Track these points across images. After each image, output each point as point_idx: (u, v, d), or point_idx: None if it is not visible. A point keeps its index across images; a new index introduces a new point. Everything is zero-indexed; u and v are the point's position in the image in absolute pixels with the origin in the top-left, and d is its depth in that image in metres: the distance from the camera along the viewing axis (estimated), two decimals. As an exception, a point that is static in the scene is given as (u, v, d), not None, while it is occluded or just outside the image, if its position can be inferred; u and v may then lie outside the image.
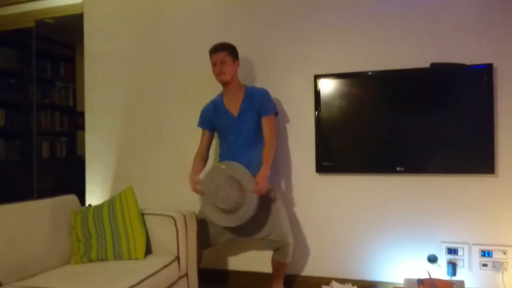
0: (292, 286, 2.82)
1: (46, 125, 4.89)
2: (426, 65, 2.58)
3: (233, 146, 2.61)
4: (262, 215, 2.53)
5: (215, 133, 2.76)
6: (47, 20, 3.96)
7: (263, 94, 2.64)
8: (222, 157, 2.67)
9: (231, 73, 2.59)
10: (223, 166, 2.51)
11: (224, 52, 2.58)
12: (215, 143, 2.87)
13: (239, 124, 2.60)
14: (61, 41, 5.07)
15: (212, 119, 2.69)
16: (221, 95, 2.70)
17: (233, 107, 2.63)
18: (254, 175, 2.44)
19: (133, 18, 3.26)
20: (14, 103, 4.57)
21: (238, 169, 2.45)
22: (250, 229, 2.56)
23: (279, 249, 2.56)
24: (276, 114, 2.67)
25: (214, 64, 2.59)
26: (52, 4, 3.62)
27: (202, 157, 2.72)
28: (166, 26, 3.18)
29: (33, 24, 3.85)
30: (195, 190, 2.58)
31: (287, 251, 2.55)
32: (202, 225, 2.61)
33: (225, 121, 2.63)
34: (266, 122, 2.58)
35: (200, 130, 2.76)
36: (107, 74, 3.32)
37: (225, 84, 2.62)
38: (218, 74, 2.59)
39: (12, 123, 4.56)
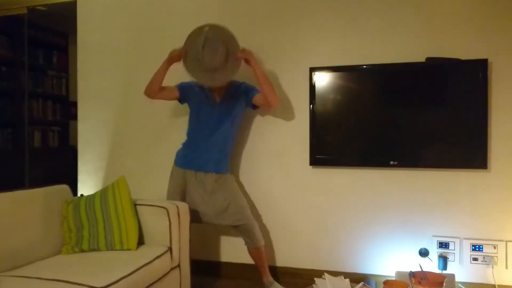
0: (285, 279, 2.83)
1: (38, 114, 4.84)
2: (422, 59, 2.58)
3: (202, 129, 2.65)
4: (219, 196, 2.63)
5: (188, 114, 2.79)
6: (39, 7, 3.90)
7: (246, 84, 2.70)
8: (189, 139, 2.73)
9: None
10: (206, 28, 2.53)
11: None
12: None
13: (217, 111, 2.64)
14: (54, 29, 5.00)
15: (191, 95, 2.72)
16: None
17: (217, 94, 2.66)
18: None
19: (127, 7, 3.22)
20: (5, 91, 4.52)
21: (224, 31, 2.54)
22: (211, 209, 2.65)
23: (243, 232, 2.63)
24: None
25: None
26: (45, -9, 3.57)
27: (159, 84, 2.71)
28: (160, 15, 3.14)
29: (25, 11, 3.79)
30: (177, 52, 2.60)
31: (250, 231, 2.61)
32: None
33: (204, 103, 2.67)
34: (260, 95, 2.61)
35: None
36: (100, 63, 3.29)
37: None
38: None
39: (3, 111, 4.51)
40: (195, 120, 2.72)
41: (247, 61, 2.56)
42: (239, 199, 2.65)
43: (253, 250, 2.66)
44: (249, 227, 2.61)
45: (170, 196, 2.70)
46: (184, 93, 2.73)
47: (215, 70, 2.51)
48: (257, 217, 2.89)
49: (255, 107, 2.71)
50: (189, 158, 2.68)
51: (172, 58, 2.62)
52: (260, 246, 2.65)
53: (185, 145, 2.75)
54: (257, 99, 2.63)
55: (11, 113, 4.57)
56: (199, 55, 2.51)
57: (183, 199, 2.68)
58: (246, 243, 2.67)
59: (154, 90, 2.68)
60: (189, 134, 2.75)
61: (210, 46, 2.49)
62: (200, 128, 2.68)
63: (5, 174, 4.37)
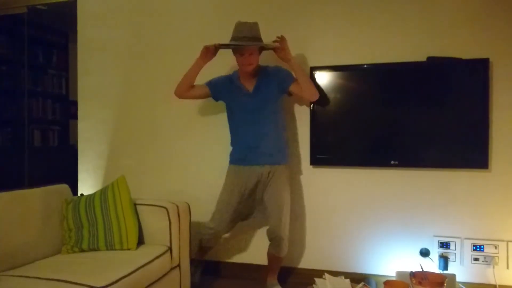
0: (285, 278, 2.83)
1: (38, 113, 4.84)
2: (423, 58, 2.57)
3: (244, 125, 2.58)
4: (271, 198, 2.53)
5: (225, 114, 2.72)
6: (39, 6, 3.89)
7: (279, 69, 2.62)
8: (234, 136, 2.65)
9: (257, 63, 2.55)
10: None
11: (254, 45, 2.50)
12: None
13: (252, 100, 2.56)
14: (54, 28, 4.99)
15: (223, 90, 2.64)
16: (235, 72, 2.66)
17: (249, 84, 2.59)
18: (262, 165, 2.56)
19: (128, 6, 3.21)
20: (5, 90, 4.51)
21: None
22: (253, 207, 2.65)
23: (272, 241, 2.54)
24: None
25: (242, 54, 2.49)
26: (45, -11, 3.56)
27: (191, 83, 2.66)
28: (160, 13, 3.13)
29: (25, 10, 3.78)
30: (211, 45, 2.55)
31: (279, 245, 2.51)
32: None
33: (238, 96, 2.59)
34: (297, 84, 2.54)
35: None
36: (100, 62, 3.28)
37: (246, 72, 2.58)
38: (245, 65, 2.52)
39: (3, 110, 4.50)
40: (232, 115, 2.65)
41: (280, 52, 2.53)
42: (285, 212, 2.53)
43: (273, 256, 2.59)
44: (280, 241, 2.52)
45: (224, 197, 2.61)
46: (215, 89, 2.66)
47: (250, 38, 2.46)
48: (256, 217, 2.88)
49: (290, 93, 2.65)
50: (242, 154, 2.59)
51: (208, 50, 2.55)
52: (283, 257, 2.60)
53: (233, 142, 2.67)
54: (294, 89, 2.56)
55: (11, 112, 4.57)
56: (237, 28, 2.47)
57: (241, 198, 2.59)
58: (270, 248, 2.58)
59: (184, 88, 2.64)
60: (233, 130, 2.66)
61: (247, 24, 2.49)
62: (241, 122, 2.60)
63: (5, 173, 4.37)
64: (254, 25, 2.49)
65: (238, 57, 2.51)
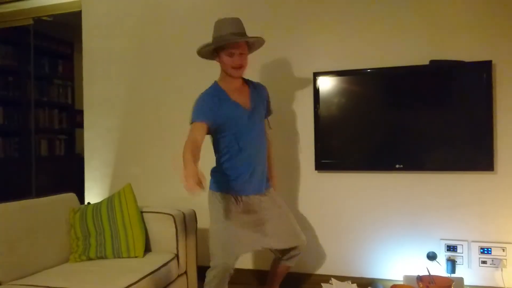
0: (292, 285, 2.82)
1: (44, 123, 4.88)
2: (425, 62, 2.57)
3: (248, 148, 2.17)
4: (276, 222, 2.26)
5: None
6: (45, 18, 3.94)
7: (266, 90, 2.37)
8: (232, 164, 2.19)
9: (246, 67, 2.20)
10: None
11: (245, 42, 2.16)
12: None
13: (254, 120, 2.19)
14: (59, 39, 5.04)
15: (218, 112, 2.11)
16: (216, 85, 2.21)
17: (242, 100, 2.19)
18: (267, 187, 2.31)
19: (131, 15, 3.24)
20: (12, 100, 4.56)
21: None
22: (267, 239, 2.24)
23: (294, 255, 2.36)
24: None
25: (231, 55, 2.12)
26: (50, 1, 3.60)
27: (198, 150, 2.00)
28: (164, 22, 3.16)
29: (30, 21, 3.83)
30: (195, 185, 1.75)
31: (297, 257, 2.39)
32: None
33: (237, 116, 2.15)
34: (267, 123, 2.37)
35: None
36: (105, 71, 3.31)
37: (236, 78, 2.21)
38: (235, 68, 2.14)
39: (10, 120, 4.55)
40: (234, 138, 2.16)
41: None
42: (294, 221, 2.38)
43: (287, 267, 2.45)
44: (300, 253, 2.38)
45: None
46: (211, 119, 2.10)
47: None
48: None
49: None
50: (245, 181, 2.18)
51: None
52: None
53: (224, 169, 2.21)
54: (265, 122, 2.33)
55: (17, 122, 4.61)
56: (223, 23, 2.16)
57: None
58: (286, 261, 2.39)
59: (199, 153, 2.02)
60: (229, 154, 2.19)
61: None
62: (243, 146, 2.17)
63: (13, 182, 4.40)
64: (239, 21, 2.17)
65: (226, 59, 2.13)
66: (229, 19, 2.17)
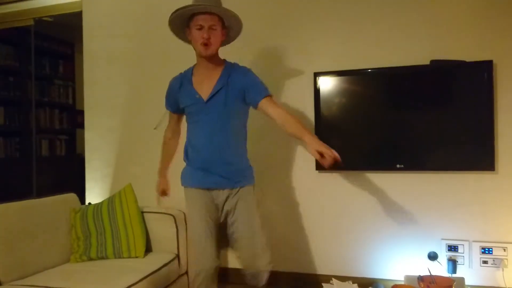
0: (292, 284, 2.82)
1: (45, 123, 4.89)
2: (426, 62, 2.57)
3: (204, 130, 2.04)
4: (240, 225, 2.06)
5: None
6: (45, 18, 3.94)
7: (248, 72, 2.08)
8: (190, 146, 2.12)
9: (218, 46, 2.03)
10: None
11: (216, 16, 1.98)
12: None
13: (208, 112, 2.02)
14: (60, 39, 5.05)
15: (176, 97, 2.15)
16: (191, 68, 2.15)
17: (205, 88, 2.04)
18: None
19: (132, 15, 3.24)
20: (13, 101, 4.56)
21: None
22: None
23: (249, 274, 2.12)
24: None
25: (200, 28, 1.96)
26: (51, 2, 3.60)
27: (169, 147, 2.32)
28: (165, 23, 3.14)
29: (31, 22, 3.84)
30: (161, 193, 2.37)
31: (260, 276, 2.09)
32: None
33: (191, 105, 2.08)
34: (268, 103, 2.00)
35: None
36: (106, 71, 3.31)
37: (205, 57, 2.03)
38: (204, 43, 1.96)
39: (11, 121, 4.55)
40: (190, 120, 2.14)
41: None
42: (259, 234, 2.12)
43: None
44: (263, 275, 2.11)
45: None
46: (174, 105, 2.18)
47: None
48: (263, 223, 2.88)
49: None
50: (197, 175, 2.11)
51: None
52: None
53: (189, 159, 2.17)
54: (263, 107, 2.02)
55: (18, 122, 4.62)
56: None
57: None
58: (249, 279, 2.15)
59: (172, 148, 2.38)
60: (190, 143, 2.14)
61: None
62: (197, 136, 2.09)
63: (13, 182, 4.40)
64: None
65: (195, 33, 1.98)
66: None
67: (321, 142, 1.84)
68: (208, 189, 2.07)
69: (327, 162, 1.81)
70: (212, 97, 2.03)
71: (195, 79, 2.10)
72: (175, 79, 2.20)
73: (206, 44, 1.97)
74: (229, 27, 2.11)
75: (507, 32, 2.47)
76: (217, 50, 2.05)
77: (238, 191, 2.06)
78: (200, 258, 2.00)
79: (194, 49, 2.06)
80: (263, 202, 2.91)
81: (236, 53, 2.64)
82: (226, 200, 2.06)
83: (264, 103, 2.01)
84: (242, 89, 2.04)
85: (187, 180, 2.13)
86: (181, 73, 2.19)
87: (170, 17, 2.05)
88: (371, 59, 2.69)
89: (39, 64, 4.78)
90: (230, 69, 2.08)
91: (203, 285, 1.99)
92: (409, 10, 2.64)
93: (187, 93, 2.10)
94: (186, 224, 2.43)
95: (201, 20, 1.96)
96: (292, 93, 2.85)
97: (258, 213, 2.15)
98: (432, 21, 2.60)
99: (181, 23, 2.07)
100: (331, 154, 1.81)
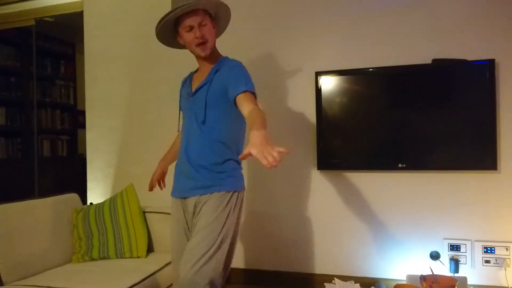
0: (294, 284, 2.82)
1: (46, 124, 4.89)
2: (428, 61, 2.57)
3: (185, 131, 1.95)
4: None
5: None
6: (47, 19, 3.95)
7: (234, 66, 1.88)
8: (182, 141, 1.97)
9: (214, 39, 1.92)
10: None
11: (201, 11, 1.84)
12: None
13: (192, 104, 1.90)
14: (61, 39, 5.06)
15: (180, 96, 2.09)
16: (192, 72, 2.11)
17: (196, 84, 1.95)
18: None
19: (133, 15, 3.24)
20: (14, 101, 4.57)
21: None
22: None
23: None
24: (254, 95, 1.78)
25: (190, 29, 1.85)
26: (52, 2, 3.61)
27: (175, 140, 2.24)
28: (166, 23, 3.16)
29: (33, 22, 3.84)
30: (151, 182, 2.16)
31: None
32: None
33: (183, 103, 2.02)
34: (243, 99, 1.73)
35: None
36: (107, 71, 3.31)
37: (204, 58, 1.91)
38: (199, 44, 1.85)
39: (12, 121, 4.56)
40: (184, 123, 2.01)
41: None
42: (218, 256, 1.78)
43: None
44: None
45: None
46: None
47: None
48: (264, 223, 2.88)
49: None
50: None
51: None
52: None
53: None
54: (238, 103, 1.75)
55: (20, 122, 4.62)
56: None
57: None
58: None
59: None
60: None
61: None
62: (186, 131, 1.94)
63: (15, 183, 4.41)
64: None
65: (187, 36, 1.86)
66: None
67: (258, 142, 1.45)
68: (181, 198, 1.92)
69: (264, 162, 1.41)
70: (195, 93, 1.91)
71: (194, 77, 2.03)
72: (184, 79, 2.13)
73: (202, 43, 1.85)
74: (217, 18, 1.97)
75: (510, 31, 2.47)
76: (214, 44, 1.92)
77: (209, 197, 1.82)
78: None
79: (192, 52, 1.95)
80: (264, 202, 2.91)
81: (237, 54, 2.63)
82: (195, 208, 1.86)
83: (239, 99, 1.74)
84: (224, 84, 1.82)
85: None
86: (190, 72, 2.12)
87: (155, 30, 1.94)
88: (373, 58, 2.68)
89: (40, 65, 4.79)
90: (219, 65, 1.91)
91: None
92: (410, 9, 2.63)
93: (184, 91, 2.05)
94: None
95: (188, 21, 1.83)
96: (293, 93, 2.85)
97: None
98: (434, 20, 2.59)
99: (169, 32, 1.95)
100: (263, 155, 1.41)
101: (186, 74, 3.11)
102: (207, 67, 1.93)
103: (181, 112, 2.06)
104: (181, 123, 2.03)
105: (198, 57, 1.94)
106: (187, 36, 1.86)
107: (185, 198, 1.89)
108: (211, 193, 1.81)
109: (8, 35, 4.36)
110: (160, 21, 1.89)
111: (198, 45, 1.85)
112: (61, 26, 4.42)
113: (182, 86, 2.09)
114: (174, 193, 1.97)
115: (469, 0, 2.54)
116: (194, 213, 1.84)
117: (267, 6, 2.90)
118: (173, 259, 1.93)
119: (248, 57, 2.88)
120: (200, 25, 1.83)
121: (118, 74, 3.29)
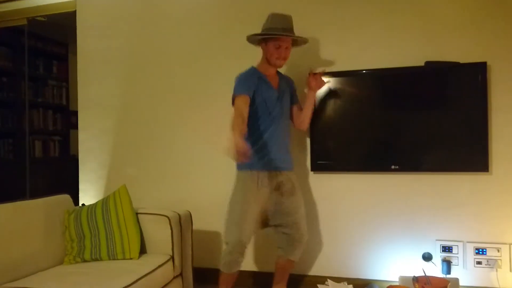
0: (288, 286, 2.81)
1: (38, 124, 4.85)
2: (421, 63, 2.58)
3: (277, 122, 2.41)
4: (290, 205, 2.43)
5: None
6: (39, 18, 3.92)
7: (291, 81, 2.63)
8: (265, 134, 2.38)
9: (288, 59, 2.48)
10: None
11: (291, 39, 2.42)
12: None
13: (281, 99, 2.45)
14: (54, 39, 5.02)
15: (256, 89, 2.39)
16: (256, 69, 2.46)
17: (274, 84, 2.46)
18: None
19: (127, 16, 3.23)
20: (6, 101, 4.53)
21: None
22: (278, 216, 2.44)
23: (294, 245, 2.45)
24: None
25: (279, 47, 2.38)
26: (44, 1, 3.58)
27: (245, 122, 2.30)
28: (159, 23, 3.15)
29: (25, 22, 3.81)
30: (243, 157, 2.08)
31: (302, 248, 2.49)
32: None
33: (269, 97, 2.40)
34: (297, 109, 2.60)
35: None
36: (100, 72, 3.30)
37: (276, 67, 2.48)
38: (280, 59, 2.41)
39: (4, 122, 4.52)
40: (264, 114, 2.40)
41: (311, 84, 2.57)
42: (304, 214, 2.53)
43: (290, 262, 2.51)
44: (303, 245, 2.49)
45: (251, 207, 2.34)
46: (251, 93, 2.38)
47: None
48: (259, 223, 2.88)
49: None
50: (267, 158, 2.38)
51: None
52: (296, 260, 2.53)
53: (257, 144, 2.38)
54: (293, 110, 2.58)
55: (12, 123, 4.58)
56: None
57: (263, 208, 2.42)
58: (287, 253, 2.47)
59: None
60: (259, 130, 2.40)
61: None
62: (270, 122, 2.40)
63: (7, 184, 4.37)
64: (290, 18, 2.44)
65: (273, 50, 2.39)
66: (282, 14, 2.41)
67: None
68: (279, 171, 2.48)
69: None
70: (280, 92, 2.50)
71: (267, 78, 2.46)
72: (248, 74, 2.43)
73: (282, 60, 2.42)
74: (295, 43, 2.51)
75: (501, 34, 2.49)
76: None
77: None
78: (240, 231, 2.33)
79: (267, 59, 2.43)
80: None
81: (237, 54, 2.64)
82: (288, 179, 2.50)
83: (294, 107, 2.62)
84: (291, 91, 2.61)
85: (255, 164, 2.40)
86: (247, 71, 2.45)
87: (252, 34, 2.44)
88: (366, 60, 2.70)
89: (32, 65, 4.75)
90: (282, 75, 2.59)
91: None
92: (404, 11, 2.65)
93: (267, 87, 2.42)
94: (180, 225, 2.42)
95: (281, 42, 2.37)
96: (287, 94, 2.84)
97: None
98: (427, 22, 2.61)
99: (258, 37, 2.46)
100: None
101: (180, 74, 3.13)
102: (274, 72, 2.50)
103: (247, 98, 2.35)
104: (246, 107, 2.34)
105: (270, 64, 2.44)
106: (274, 51, 2.39)
107: (282, 170, 2.44)
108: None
109: (0, 35, 4.33)
110: (259, 34, 2.42)
111: (278, 59, 2.40)
112: (53, 26, 4.39)
113: (258, 81, 2.41)
114: (275, 167, 2.42)
115: (462, 3, 2.56)
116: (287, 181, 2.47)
117: (262, 7, 2.90)
118: (247, 227, 2.33)
119: (244, 57, 2.88)
120: (286, 48, 2.40)
121: (111, 75, 3.27)
